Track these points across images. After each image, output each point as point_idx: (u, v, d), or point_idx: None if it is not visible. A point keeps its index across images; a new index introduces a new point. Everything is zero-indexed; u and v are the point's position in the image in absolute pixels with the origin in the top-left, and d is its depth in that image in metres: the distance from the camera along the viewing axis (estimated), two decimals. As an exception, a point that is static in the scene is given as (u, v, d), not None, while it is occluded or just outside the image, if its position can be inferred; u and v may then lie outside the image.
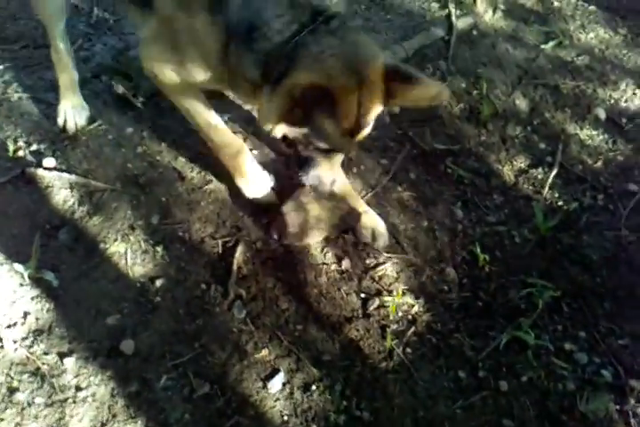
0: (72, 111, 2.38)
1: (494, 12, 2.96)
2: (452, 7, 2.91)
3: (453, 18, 2.85)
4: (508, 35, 2.87)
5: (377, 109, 1.59)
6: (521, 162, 2.42)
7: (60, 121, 2.38)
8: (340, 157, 1.75)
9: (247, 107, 2.41)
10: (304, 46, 1.47)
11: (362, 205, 2.11)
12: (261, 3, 1.52)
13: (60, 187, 2.21)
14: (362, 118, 1.55)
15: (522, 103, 2.61)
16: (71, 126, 2.37)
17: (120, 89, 2.51)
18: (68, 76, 2.38)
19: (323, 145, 1.62)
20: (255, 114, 2.27)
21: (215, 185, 2.22)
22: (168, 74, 1.85)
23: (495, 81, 2.65)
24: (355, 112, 1.52)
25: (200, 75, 1.79)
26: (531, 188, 2.34)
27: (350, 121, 1.53)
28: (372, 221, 2.09)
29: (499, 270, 2.09)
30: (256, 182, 2.11)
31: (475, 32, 2.86)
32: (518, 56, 2.78)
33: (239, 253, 2.02)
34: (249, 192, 2.12)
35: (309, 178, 1.74)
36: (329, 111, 1.48)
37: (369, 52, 1.53)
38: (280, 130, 1.60)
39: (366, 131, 1.64)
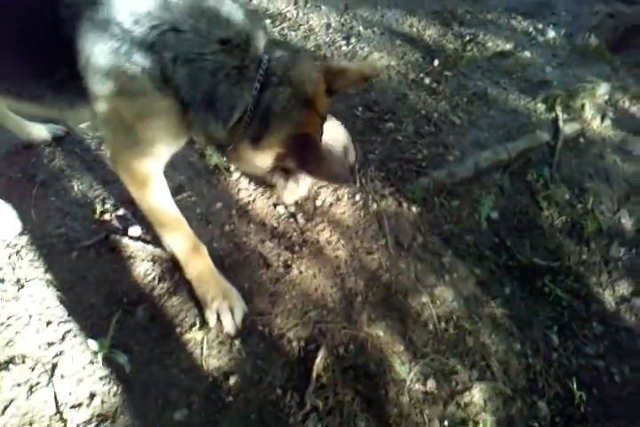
0: None
1: (603, 119, 2.91)
2: (559, 110, 2.88)
3: (560, 122, 2.81)
4: (617, 145, 2.81)
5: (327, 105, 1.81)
6: (624, 288, 2.32)
7: None
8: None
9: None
10: (267, 107, 1.66)
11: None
12: (212, 76, 1.60)
13: (142, 258, 2.21)
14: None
15: (628, 223, 2.52)
16: None
17: (214, 160, 2.55)
18: None
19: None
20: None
21: (301, 277, 2.18)
22: (138, 164, 1.86)
23: (601, 195, 2.57)
24: (320, 123, 1.78)
25: (170, 146, 1.84)
26: (633, 319, 2.22)
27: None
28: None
29: (595, 412, 1.96)
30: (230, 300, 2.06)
31: (581, 139, 2.81)
32: (627, 170, 2.71)
33: (320, 358, 1.96)
34: (209, 313, 2.05)
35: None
36: (313, 145, 1.70)
37: (311, 79, 1.72)
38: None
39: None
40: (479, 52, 3.37)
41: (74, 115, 1.94)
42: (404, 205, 2.45)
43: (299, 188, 2.10)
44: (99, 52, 1.58)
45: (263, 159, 1.77)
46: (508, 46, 3.42)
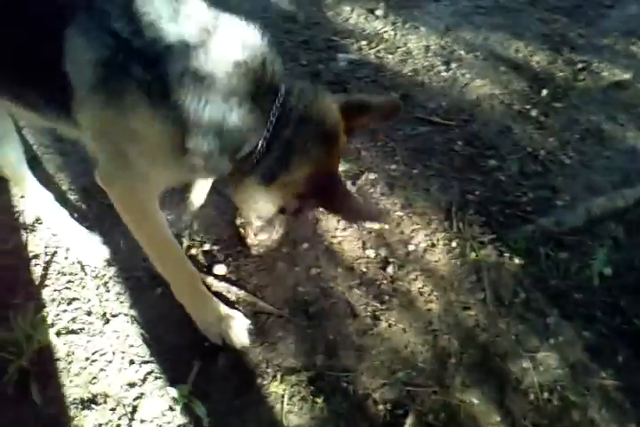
0: None
1: None
2: (685, 152, 2.62)
3: (687, 166, 2.55)
4: None
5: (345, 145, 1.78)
6: None
7: None
8: None
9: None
10: (287, 144, 1.59)
11: None
12: (224, 101, 1.49)
13: (225, 300, 2.17)
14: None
15: None
16: None
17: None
18: None
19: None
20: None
21: (390, 331, 2.08)
22: (131, 190, 1.75)
23: None
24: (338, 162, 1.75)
25: (165, 171, 1.70)
26: None
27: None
28: None
29: None
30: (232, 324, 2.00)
31: None
32: None
33: (408, 425, 1.83)
34: (213, 337, 2.00)
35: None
36: (338, 185, 1.67)
37: (331, 114, 1.66)
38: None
39: None
40: (593, 81, 3.15)
41: (62, 128, 1.82)
42: (506, 254, 2.29)
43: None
44: (87, 61, 1.47)
45: (274, 199, 1.71)
46: (627, 76, 3.18)
